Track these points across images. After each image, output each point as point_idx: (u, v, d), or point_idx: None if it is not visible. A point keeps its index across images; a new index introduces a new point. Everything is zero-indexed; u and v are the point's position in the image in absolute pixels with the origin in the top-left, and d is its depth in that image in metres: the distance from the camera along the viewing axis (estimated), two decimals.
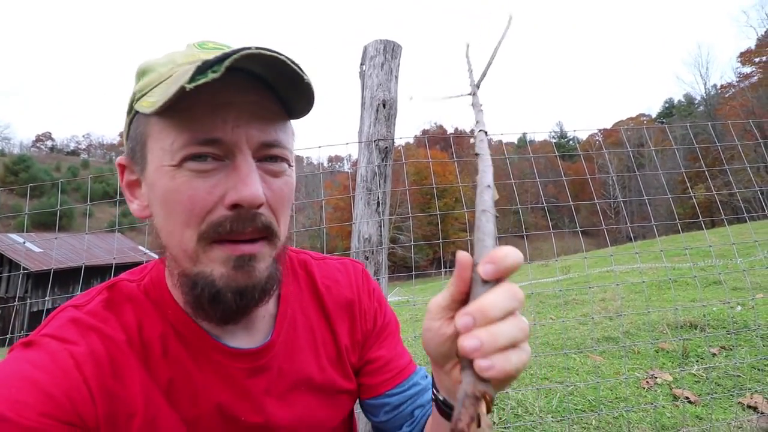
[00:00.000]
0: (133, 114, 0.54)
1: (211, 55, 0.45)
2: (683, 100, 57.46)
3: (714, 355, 2.84)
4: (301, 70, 0.48)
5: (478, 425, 0.29)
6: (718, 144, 2.67)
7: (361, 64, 1.94)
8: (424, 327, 0.43)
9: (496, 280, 0.35)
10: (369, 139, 1.86)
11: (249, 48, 0.44)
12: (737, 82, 45.34)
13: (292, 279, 0.70)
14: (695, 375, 2.61)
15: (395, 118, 1.91)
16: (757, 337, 2.89)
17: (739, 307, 3.60)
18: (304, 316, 0.68)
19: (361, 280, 0.75)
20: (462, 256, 0.37)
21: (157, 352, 0.55)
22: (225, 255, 0.50)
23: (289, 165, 0.56)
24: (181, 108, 0.47)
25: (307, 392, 0.64)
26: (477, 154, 0.47)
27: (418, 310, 5.99)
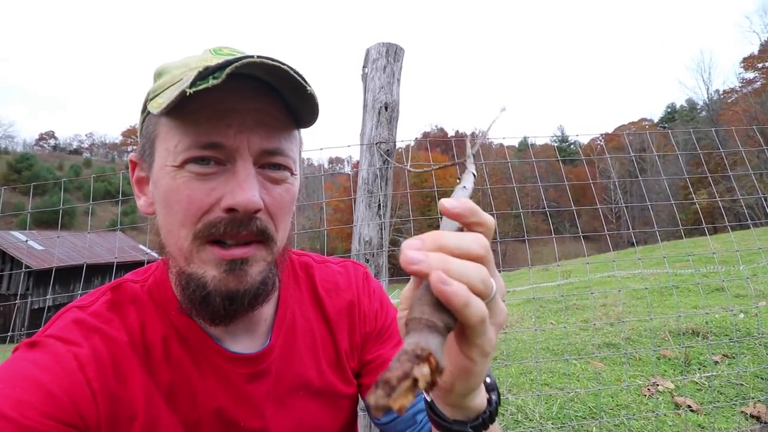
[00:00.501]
0: (146, 113, 0.55)
1: (220, 61, 0.47)
2: (685, 105, 57.45)
3: (716, 363, 2.82)
4: (304, 81, 0.49)
5: (415, 386, 0.23)
6: (721, 150, 2.66)
7: (364, 67, 1.94)
8: (398, 317, 0.38)
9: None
10: (371, 141, 1.86)
11: (251, 56, 0.45)
12: (740, 87, 45.34)
13: (293, 282, 0.70)
14: (697, 383, 2.59)
15: (397, 120, 1.91)
16: (760, 345, 2.87)
17: (741, 315, 3.57)
18: (304, 319, 0.67)
19: (362, 282, 0.75)
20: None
21: (158, 355, 0.55)
22: (217, 258, 0.51)
23: (292, 173, 0.56)
24: (188, 111, 0.48)
25: (307, 397, 0.64)
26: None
27: None
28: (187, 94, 0.44)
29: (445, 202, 0.33)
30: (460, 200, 0.33)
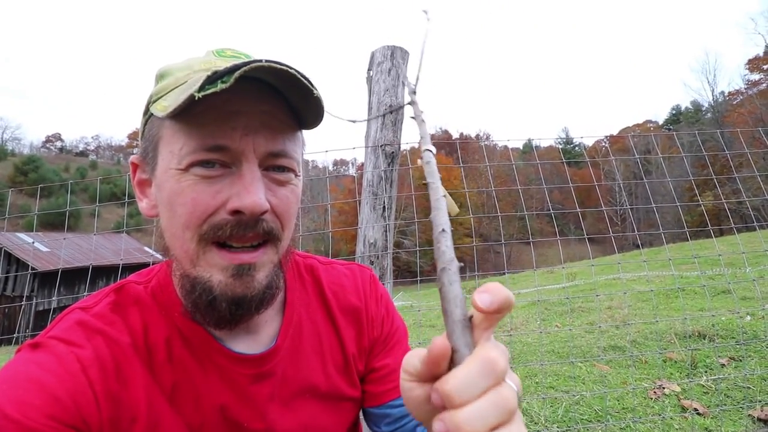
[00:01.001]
0: (148, 115, 0.55)
1: (227, 64, 0.47)
2: (690, 106, 57.12)
3: (723, 365, 2.80)
4: (311, 84, 0.49)
5: None
6: (727, 152, 2.65)
7: (369, 70, 1.94)
8: (401, 386, 0.36)
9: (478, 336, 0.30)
10: (375, 143, 1.86)
11: (260, 60, 0.45)
12: (745, 89, 44.99)
13: (299, 284, 0.69)
14: (704, 386, 2.57)
15: (402, 123, 1.91)
16: (766, 348, 2.84)
17: (748, 317, 3.54)
18: (310, 321, 0.67)
19: (369, 286, 0.75)
20: (438, 345, 0.30)
21: (162, 356, 0.55)
22: (225, 263, 0.51)
23: (296, 174, 0.57)
24: (193, 114, 0.48)
25: (312, 399, 0.63)
26: (426, 184, 0.40)
27: (422, 315, 5.97)
28: (196, 98, 0.44)
29: (479, 301, 0.29)
30: (495, 292, 0.30)
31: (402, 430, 0.68)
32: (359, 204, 1.91)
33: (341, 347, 0.68)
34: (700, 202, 2.85)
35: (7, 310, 17.86)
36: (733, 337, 3.14)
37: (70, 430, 0.46)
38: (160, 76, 0.55)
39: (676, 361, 2.95)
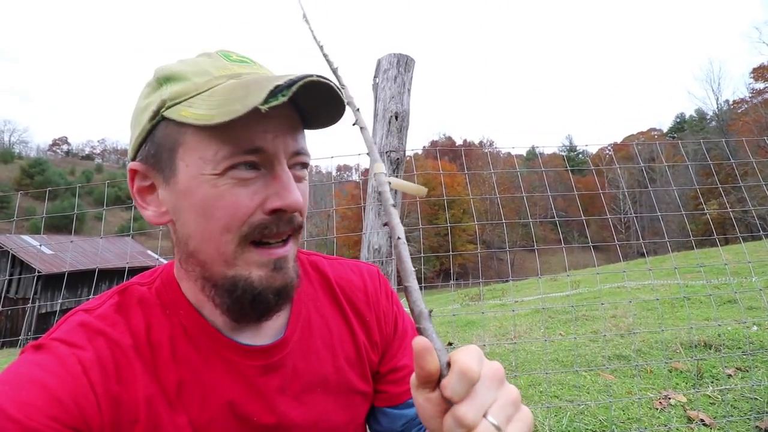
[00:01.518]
0: (157, 120, 0.53)
1: (242, 69, 0.53)
2: (695, 115, 56.99)
3: (729, 376, 2.77)
4: (344, 100, 0.53)
5: None
6: (732, 160, 2.64)
7: (375, 77, 1.96)
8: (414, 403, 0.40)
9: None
10: (381, 150, 1.87)
11: (311, 75, 0.49)
12: (750, 97, 44.90)
13: (305, 279, 0.70)
14: (710, 396, 2.54)
15: (407, 130, 1.92)
16: None
17: (755, 327, 3.51)
18: (319, 316, 0.68)
19: (378, 281, 0.76)
20: (418, 344, 0.35)
21: (165, 355, 0.55)
22: (264, 259, 0.54)
23: (308, 170, 0.61)
24: (226, 120, 0.48)
25: (324, 394, 0.63)
26: (370, 158, 0.47)
27: None
28: (263, 110, 0.46)
29: (448, 391, 0.35)
30: (462, 373, 0.34)
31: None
32: (364, 210, 1.91)
33: (353, 339, 0.68)
34: (705, 211, 2.84)
35: (10, 312, 17.94)
36: (739, 347, 3.11)
37: None
38: (167, 79, 0.54)
39: (681, 371, 2.92)
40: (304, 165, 0.58)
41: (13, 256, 20.64)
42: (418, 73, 1.97)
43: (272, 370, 0.59)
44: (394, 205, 0.43)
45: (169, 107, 0.52)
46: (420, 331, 0.36)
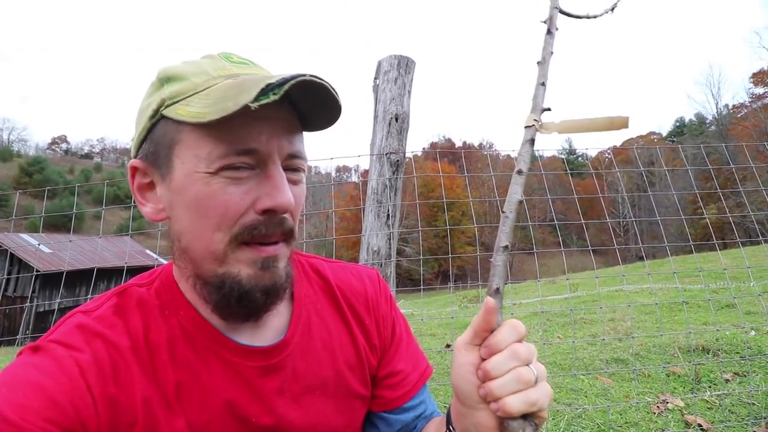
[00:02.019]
0: (156, 118, 0.54)
1: (241, 71, 0.54)
2: (694, 119, 57.03)
3: (727, 381, 2.77)
4: (340, 101, 0.54)
5: None
6: (731, 165, 2.64)
7: (375, 79, 1.96)
8: (453, 364, 0.51)
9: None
10: (381, 152, 1.87)
11: (304, 75, 0.49)
12: (750, 102, 45.00)
13: (306, 282, 0.70)
14: (708, 401, 2.54)
15: (407, 132, 1.92)
16: None
17: (753, 332, 3.51)
18: (319, 318, 0.68)
19: (378, 285, 0.76)
20: (490, 303, 0.48)
21: (164, 356, 0.55)
22: (253, 257, 0.54)
23: (305, 174, 0.60)
24: (222, 120, 0.49)
25: (323, 397, 0.63)
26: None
27: (424, 324, 5.94)
28: (252, 108, 0.46)
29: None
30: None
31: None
32: (363, 212, 1.91)
33: (353, 343, 0.69)
34: (705, 215, 2.84)
35: (8, 310, 17.88)
36: (737, 352, 3.11)
37: None
38: (168, 79, 0.55)
39: (679, 376, 2.92)
40: (300, 168, 0.58)
41: (12, 255, 20.58)
42: (418, 74, 1.98)
43: (272, 371, 0.59)
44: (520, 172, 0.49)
45: (168, 106, 0.53)
46: (492, 297, 0.48)
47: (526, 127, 0.49)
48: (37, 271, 18.39)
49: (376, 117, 1.92)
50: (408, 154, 1.97)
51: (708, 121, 51.54)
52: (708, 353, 3.20)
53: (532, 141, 0.51)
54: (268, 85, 0.47)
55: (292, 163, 0.56)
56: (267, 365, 0.59)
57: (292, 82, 0.48)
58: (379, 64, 1.94)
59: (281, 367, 0.60)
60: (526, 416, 0.45)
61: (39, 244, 19.79)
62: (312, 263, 0.74)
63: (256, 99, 0.46)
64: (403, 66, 1.91)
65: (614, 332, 4.33)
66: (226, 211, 0.52)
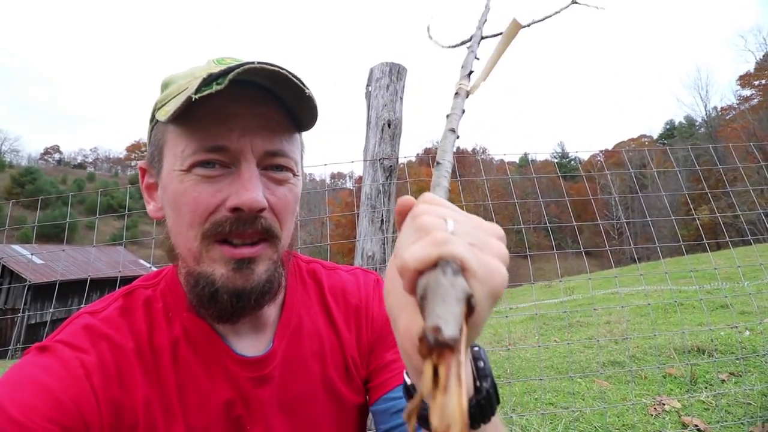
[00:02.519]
0: (154, 122, 0.57)
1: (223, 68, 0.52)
2: (684, 121, 57.76)
3: (723, 381, 2.78)
4: (303, 84, 0.52)
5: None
6: (720, 166, 2.68)
7: (368, 85, 1.97)
8: (384, 290, 0.37)
9: None
10: (374, 157, 1.88)
11: (252, 62, 0.48)
12: (737, 104, 45.76)
13: (301, 287, 0.70)
14: (704, 402, 2.55)
15: (400, 137, 1.93)
16: (766, 363, 2.83)
17: (747, 332, 3.53)
18: (311, 323, 0.67)
19: (372, 288, 0.75)
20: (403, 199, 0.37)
21: (166, 359, 0.56)
22: (226, 257, 0.53)
23: (294, 174, 0.59)
24: (193, 117, 0.50)
25: (313, 404, 0.63)
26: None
27: None
28: (193, 99, 0.46)
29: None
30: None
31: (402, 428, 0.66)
32: (357, 217, 1.91)
33: (342, 351, 0.68)
34: (696, 216, 2.87)
35: None
36: (732, 352, 3.13)
37: None
38: (165, 85, 0.58)
39: (675, 377, 2.93)
40: (285, 167, 0.56)
41: (3, 266, 20.33)
42: (410, 80, 1.99)
43: (263, 382, 0.60)
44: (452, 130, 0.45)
45: (158, 109, 0.56)
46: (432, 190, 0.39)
47: (455, 93, 0.48)
48: (29, 282, 18.16)
49: (368, 123, 1.93)
50: (402, 160, 1.98)
51: (698, 124, 52.22)
52: (703, 354, 3.22)
53: (462, 109, 0.50)
54: (210, 75, 0.47)
55: (273, 161, 0.55)
56: (258, 376, 0.59)
57: (238, 70, 0.47)
58: (371, 71, 1.95)
59: (271, 378, 0.60)
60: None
61: (32, 254, 19.56)
62: (311, 268, 0.74)
63: (198, 90, 0.47)
64: (395, 73, 1.92)
65: (610, 335, 4.34)
66: (196, 208, 0.52)
